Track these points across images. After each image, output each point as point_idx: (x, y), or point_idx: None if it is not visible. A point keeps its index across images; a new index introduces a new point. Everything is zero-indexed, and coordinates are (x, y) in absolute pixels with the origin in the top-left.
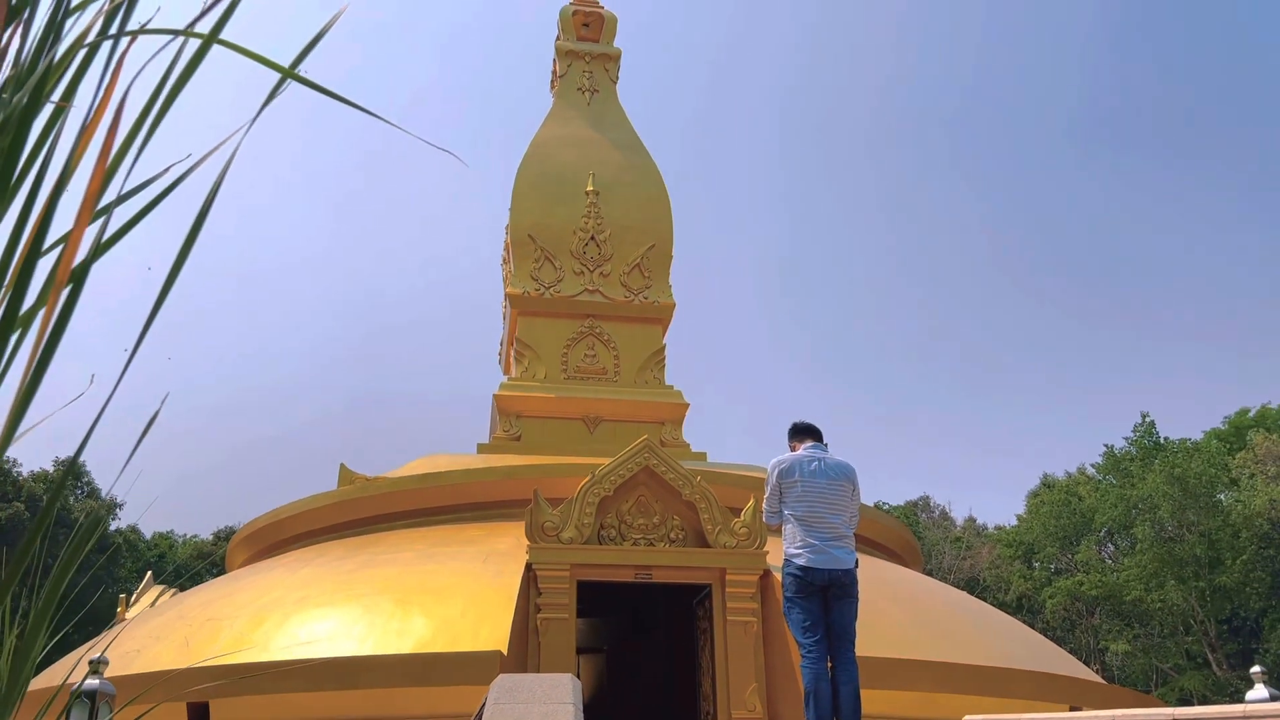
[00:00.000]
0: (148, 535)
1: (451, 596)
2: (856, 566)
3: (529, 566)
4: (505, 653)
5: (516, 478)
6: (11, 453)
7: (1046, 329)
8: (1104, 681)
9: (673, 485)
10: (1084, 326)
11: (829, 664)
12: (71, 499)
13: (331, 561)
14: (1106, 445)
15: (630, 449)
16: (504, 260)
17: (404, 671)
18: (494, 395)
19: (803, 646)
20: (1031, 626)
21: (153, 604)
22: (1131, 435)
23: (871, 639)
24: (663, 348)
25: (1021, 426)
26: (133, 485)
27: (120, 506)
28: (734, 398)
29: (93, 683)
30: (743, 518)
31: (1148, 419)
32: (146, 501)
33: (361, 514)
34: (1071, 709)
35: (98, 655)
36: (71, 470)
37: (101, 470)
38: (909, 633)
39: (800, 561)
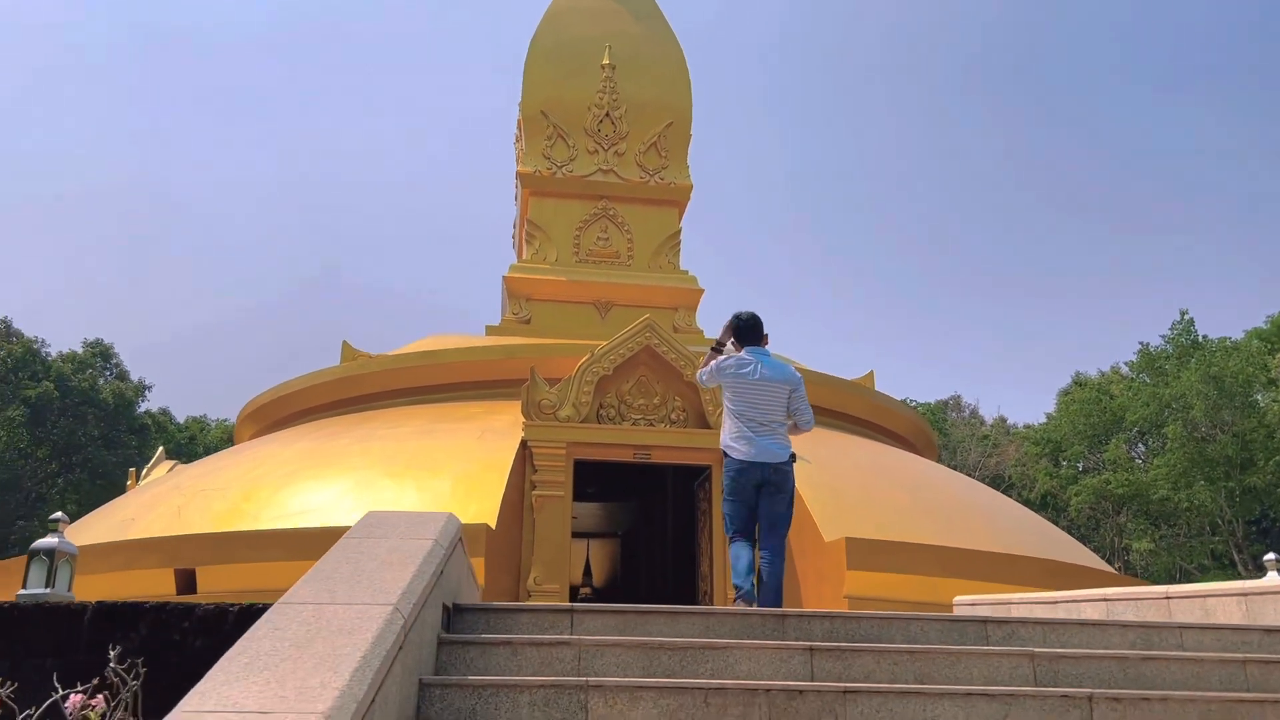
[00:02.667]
0: (181, 419)
1: (443, 471)
2: (791, 461)
3: (524, 444)
4: (493, 526)
5: (516, 356)
6: (40, 332)
7: (1084, 224)
8: (1118, 573)
9: (674, 365)
10: (1123, 222)
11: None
12: (100, 380)
13: (328, 436)
14: (1142, 343)
15: (631, 328)
16: (516, 138)
17: None
18: (503, 277)
19: (728, 535)
20: (1055, 524)
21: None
22: (1168, 333)
23: (872, 521)
24: (678, 231)
25: (1055, 325)
26: (165, 369)
27: (149, 388)
28: (750, 288)
29: (50, 541)
30: None
31: (1186, 316)
32: (182, 385)
33: (362, 390)
34: None
35: (57, 514)
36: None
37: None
38: (911, 517)
39: (736, 456)
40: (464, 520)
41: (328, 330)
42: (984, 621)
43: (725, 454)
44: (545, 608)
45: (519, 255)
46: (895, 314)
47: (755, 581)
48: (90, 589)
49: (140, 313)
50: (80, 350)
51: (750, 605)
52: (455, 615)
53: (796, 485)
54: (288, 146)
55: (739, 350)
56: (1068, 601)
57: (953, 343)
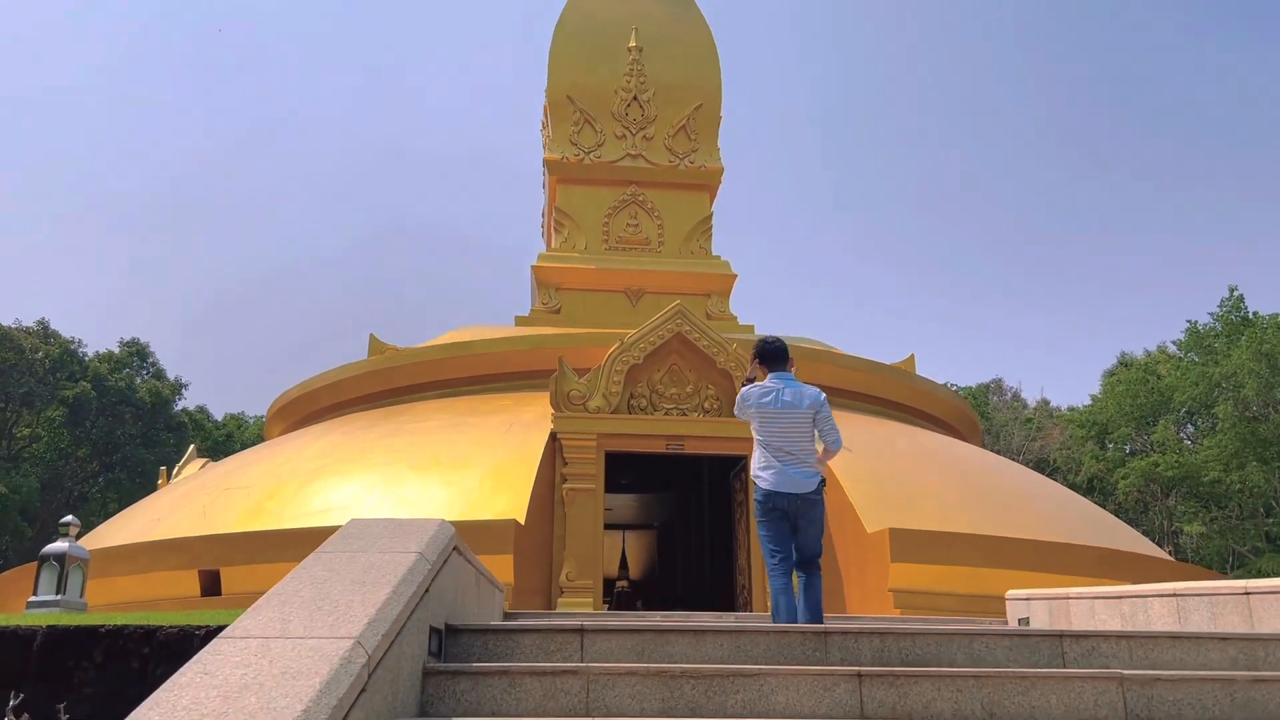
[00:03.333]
0: (219, 416)
1: (471, 465)
2: (821, 488)
3: (553, 436)
4: (522, 522)
5: (545, 347)
6: (77, 333)
7: (1129, 198)
8: (1174, 559)
9: (707, 353)
10: (1169, 194)
11: (794, 579)
12: (137, 379)
13: (354, 431)
14: (1190, 321)
15: (661, 315)
16: (543, 124)
17: None
18: (532, 267)
19: (768, 564)
20: (1102, 508)
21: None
22: (1218, 310)
23: (916, 511)
24: (709, 216)
25: (1099, 304)
26: (202, 367)
27: (185, 387)
28: (786, 273)
29: (60, 546)
30: None
31: (1236, 293)
32: (219, 383)
33: (390, 384)
34: None
35: (67, 518)
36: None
37: (171, 356)
38: (958, 506)
39: (764, 485)
40: (492, 515)
41: (370, 310)
42: (1059, 636)
43: (755, 483)
44: (553, 626)
45: (548, 244)
46: (935, 296)
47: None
48: (115, 592)
49: (172, 307)
50: (117, 350)
51: None
52: (449, 638)
53: (836, 474)
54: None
55: (764, 378)
56: (1133, 597)
57: (994, 325)
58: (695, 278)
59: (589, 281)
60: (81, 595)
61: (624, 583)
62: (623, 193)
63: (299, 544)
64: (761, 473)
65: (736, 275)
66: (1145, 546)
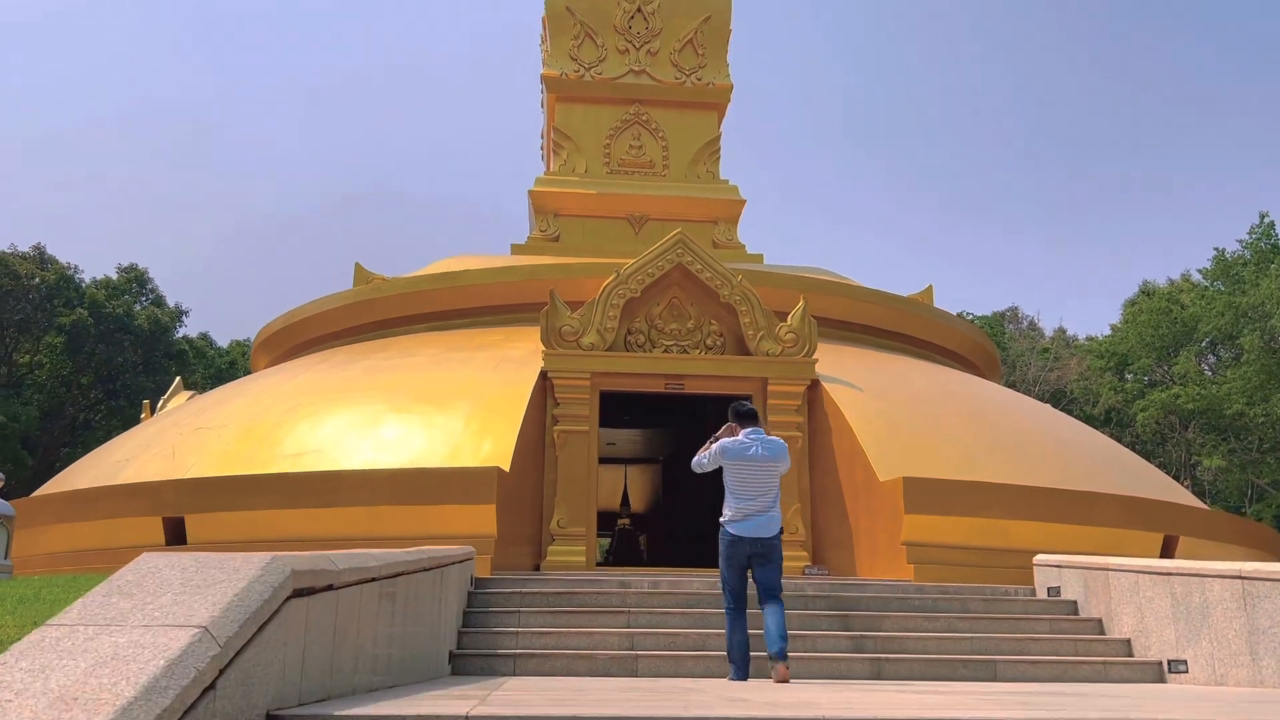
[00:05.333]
0: (224, 343)
1: (456, 406)
2: (779, 534)
3: (544, 374)
4: (507, 469)
5: (539, 278)
6: (73, 258)
7: (1155, 122)
8: (1200, 504)
9: (709, 285)
10: (1196, 115)
11: (760, 609)
12: (136, 306)
13: (336, 366)
14: (1217, 249)
15: (661, 244)
16: (542, 39)
17: (389, 488)
18: (529, 191)
19: (725, 603)
20: (1119, 441)
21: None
22: (1246, 238)
23: (932, 457)
24: (717, 137)
25: (1121, 231)
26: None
27: (186, 314)
28: (796, 198)
29: None
30: (790, 322)
31: (1266, 219)
32: (221, 311)
33: (376, 316)
34: (1166, 538)
35: None
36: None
37: (171, 282)
38: (977, 451)
39: (731, 530)
40: (477, 460)
41: (373, 244)
42: None
43: (722, 528)
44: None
45: (546, 168)
46: (949, 221)
47: (748, 659)
48: (76, 539)
49: (177, 236)
50: (115, 276)
51: (743, 682)
52: None
53: (847, 417)
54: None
55: (738, 434)
56: (1187, 576)
57: (1010, 251)
58: (701, 203)
59: (589, 207)
60: (6, 556)
61: (625, 520)
62: (625, 112)
63: (268, 491)
64: (730, 521)
65: (745, 201)
66: (1171, 488)
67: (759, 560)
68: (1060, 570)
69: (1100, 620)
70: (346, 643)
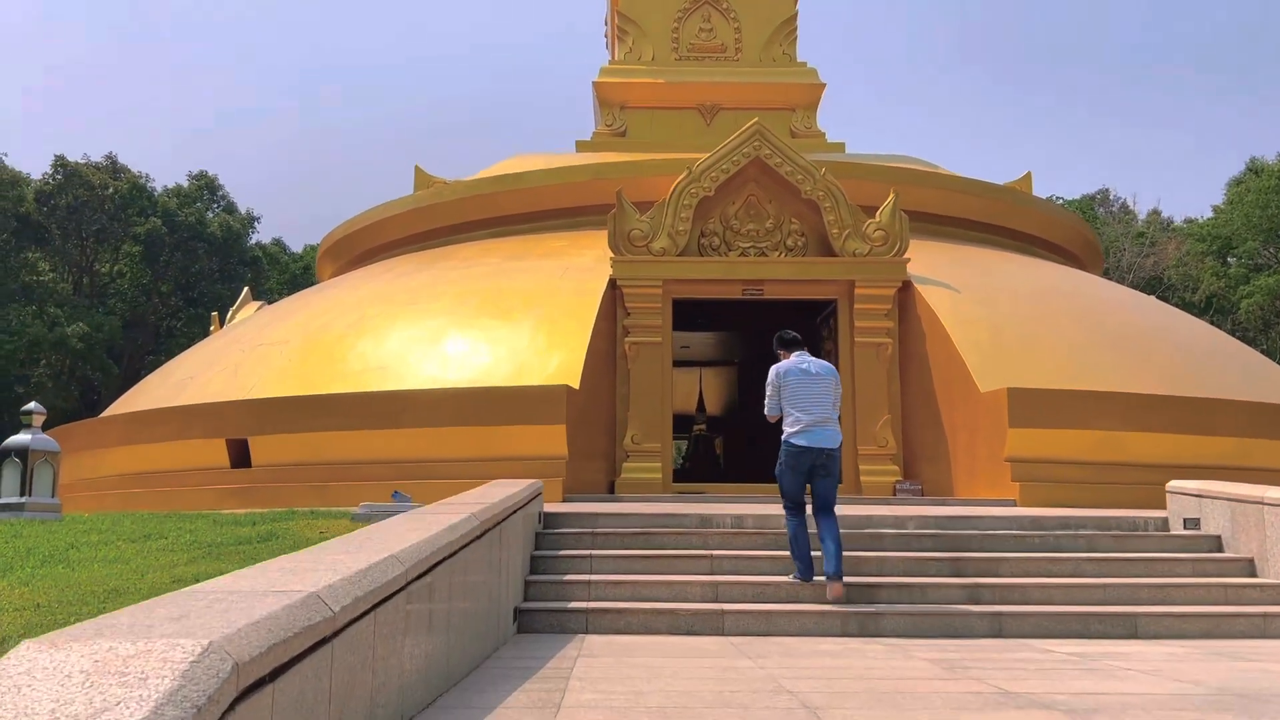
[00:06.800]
0: (297, 249)
1: (522, 319)
2: (840, 447)
3: (613, 283)
4: (576, 385)
5: (605, 178)
6: (145, 167)
7: None
8: None
9: (790, 180)
10: None
11: (812, 525)
12: (209, 213)
13: (397, 278)
14: None
15: (735, 137)
16: None
17: (454, 409)
18: (593, 83)
19: (785, 508)
20: (1220, 328)
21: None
22: None
23: (1037, 365)
24: (794, 15)
25: (1225, 104)
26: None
27: (258, 220)
28: (876, 81)
29: (22, 438)
30: (878, 218)
31: None
32: (293, 217)
33: (437, 222)
34: None
35: (30, 405)
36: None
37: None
38: (1087, 356)
39: (796, 441)
40: (544, 377)
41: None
42: None
43: (785, 442)
44: None
45: (611, 57)
46: (1036, 99)
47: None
48: (143, 460)
49: (245, 143)
50: (186, 184)
51: (808, 585)
52: None
53: (944, 324)
54: None
55: (787, 358)
56: None
57: (1101, 129)
58: (778, 89)
59: (657, 97)
60: (54, 494)
61: (701, 426)
62: None
63: (331, 412)
64: (793, 434)
65: (824, 85)
66: None
67: (820, 472)
68: (1200, 500)
69: (1252, 560)
70: (359, 689)
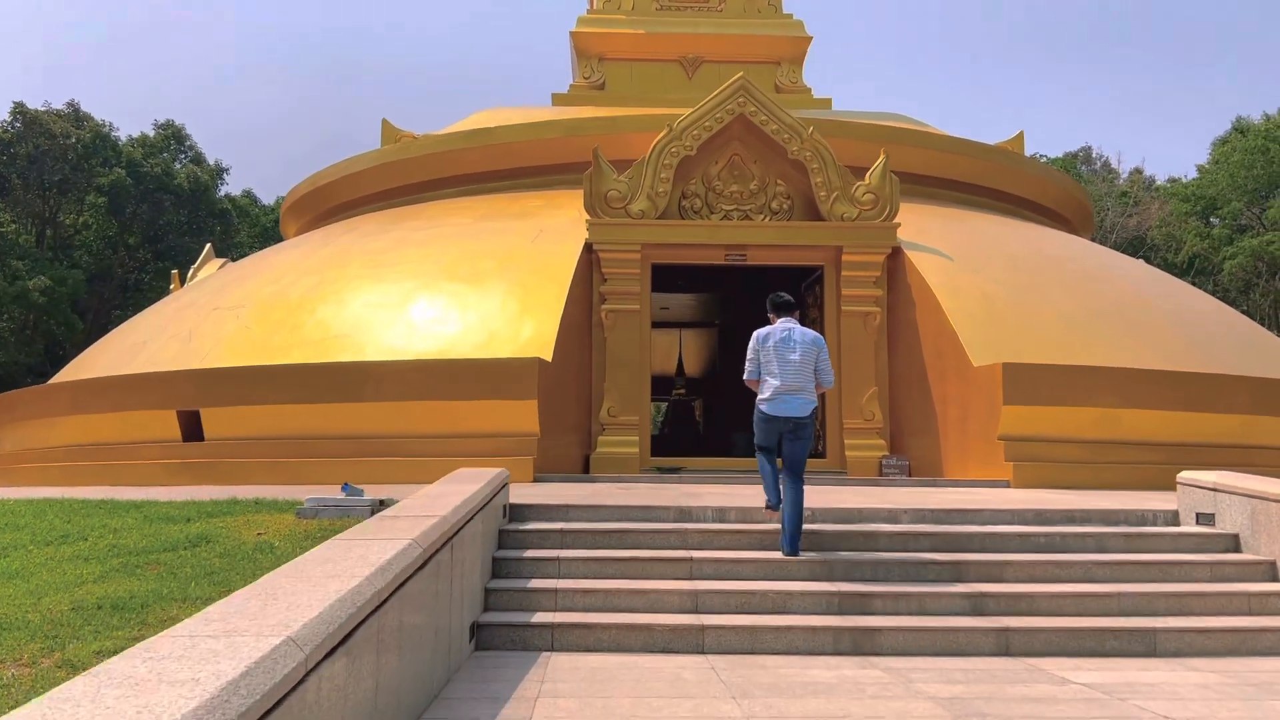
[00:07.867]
0: (269, 201)
1: (493, 283)
2: (813, 415)
3: (589, 247)
4: (549, 357)
5: (581, 134)
6: (109, 116)
7: None
8: None
9: (775, 140)
10: None
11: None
12: (176, 164)
13: (361, 238)
14: None
15: (719, 93)
16: None
17: (419, 382)
18: (570, 33)
19: (757, 452)
20: (1202, 289)
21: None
22: None
23: (1033, 338)
24: None
25: (1211, 62)
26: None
27: (226, 171)
28: (863, 34)
29: None
30: (868, 180)
31: None
32: (263, 168)
33: (405, 179)
34: None
35: None
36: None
37: (212, 139)
38: (1084, 328)
39: (764, 409)
40: (515, 348)
41: (410, 99)
42: None
43: (755, 408)
44: None
45: (590, 4)
46: (1016, 54)
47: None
48: (91, 431)
49: (215, 92)
50: (151, 134)
51: (777, 513)
52: None
53: (937, 295)
54: None
55: (775, 321)
56: None
57: (1084, 85)
58: (763, 41)
59: (637, 48)
60: None
61: (680, 390)
62: None
63: (288, 384)
64: (765, 400)
65: (811, 38)
66: None
67: (790, 437)
68: (1215, 495)
69: (1274, 564)
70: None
